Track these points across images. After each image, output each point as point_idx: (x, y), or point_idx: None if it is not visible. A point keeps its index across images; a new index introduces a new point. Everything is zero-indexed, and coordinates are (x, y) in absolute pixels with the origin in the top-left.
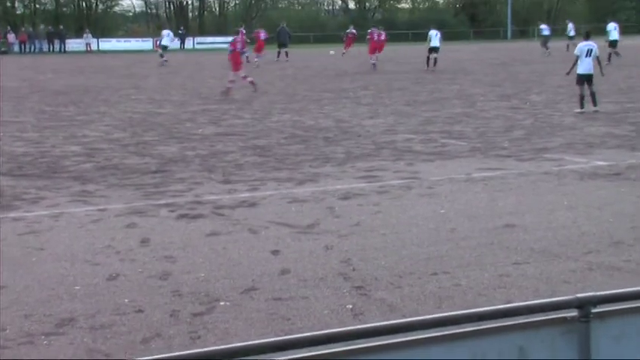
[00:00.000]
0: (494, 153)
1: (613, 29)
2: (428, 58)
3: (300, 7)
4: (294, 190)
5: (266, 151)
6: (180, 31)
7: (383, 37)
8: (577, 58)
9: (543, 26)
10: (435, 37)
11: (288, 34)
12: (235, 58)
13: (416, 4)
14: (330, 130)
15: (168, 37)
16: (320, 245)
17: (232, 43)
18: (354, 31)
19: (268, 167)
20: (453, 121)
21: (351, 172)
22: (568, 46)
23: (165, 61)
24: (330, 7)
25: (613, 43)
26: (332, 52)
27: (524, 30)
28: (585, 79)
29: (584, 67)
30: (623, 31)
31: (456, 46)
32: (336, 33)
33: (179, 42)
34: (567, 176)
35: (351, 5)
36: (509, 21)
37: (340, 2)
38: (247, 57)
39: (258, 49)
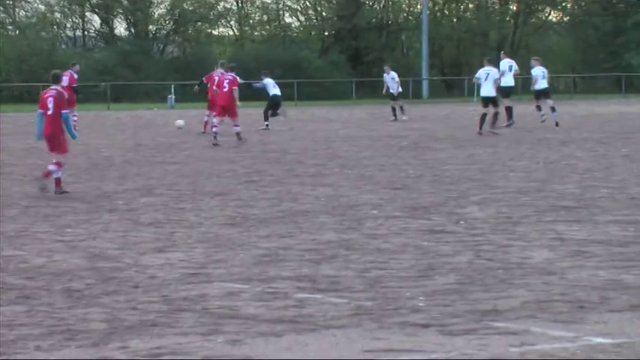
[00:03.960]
0: (398, 320)
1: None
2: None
3: (15, 32)
4: None
5: None
6: None
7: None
8: None
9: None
10: (392, 80)
11: None
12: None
13: (247, 30)
14: (77, 274)
15: None
16: None
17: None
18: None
19: None
20: (319, 257)
21: (121, 359)
22: None
23: None
24: (79, 33)
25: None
26: (180, 122)
27: (452, 81)
28: None
29: None
30: None
31: (324, 109)
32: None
33: None
34: None
35: (121, 30)
36: (423, 64)
37: (100, 25)
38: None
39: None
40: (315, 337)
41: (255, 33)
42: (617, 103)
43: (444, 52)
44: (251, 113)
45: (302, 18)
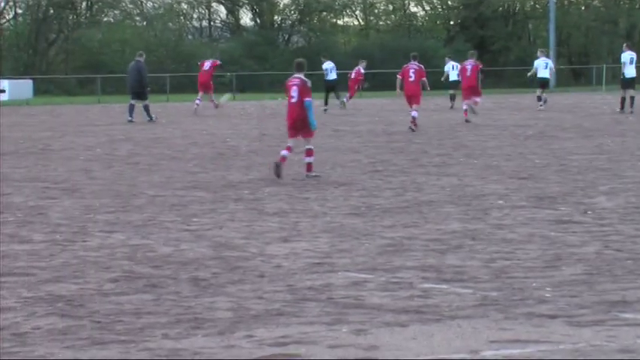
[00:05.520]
0: (524, 310)
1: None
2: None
3: (142, 23)
4: None
5: (76, 308)
6: None
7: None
8: None
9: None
10: (453, 69)
11: (142, 74)
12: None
13: (372, 19)
14: (204, 263)
15: None
16: None
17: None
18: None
19: (80, 339)
20: (444, 247)
21: (247, 348)
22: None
23: None
24: (205, 24)
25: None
26: (227, 96)
27: (579, 70)
28: None
29: None
30: None
31: (446, 98)
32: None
33: None
34: None
35: (246, 21)
36: (551, 53)
37: (226, 15)
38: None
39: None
40: (440, 327)
41: (380, 22)
42: None
43: (572, 40)
44: (375, 103)
45: (427, 7)
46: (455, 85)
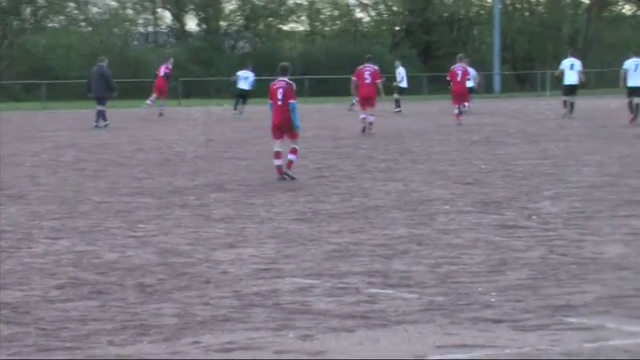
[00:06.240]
0: (470, 315)
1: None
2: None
3: (88, 29)
4: None
5: (21, 315)
6: None
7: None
8: None
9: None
10: (401, 74)
11: (107, 79)
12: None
13: (317, 25)
14: (149, 269)
15: None
16: None
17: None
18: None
19: (26, 346)
20: (390, 252)
21: (193, 354)
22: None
23: None
24: (150, 29)
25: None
26: (149, 102)
27: (524, 76)
28: None
29: None
30: None
31: (391, 105)
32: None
33: None
34: None
35: (192, 26)
36: (496, 58)
37: (171, 21)
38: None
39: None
40: (386, 332)
41: (326, 28)
42: None
43: (517, 45)
44: (320, 108)
45: (373, 13)
46: (404, 91)
